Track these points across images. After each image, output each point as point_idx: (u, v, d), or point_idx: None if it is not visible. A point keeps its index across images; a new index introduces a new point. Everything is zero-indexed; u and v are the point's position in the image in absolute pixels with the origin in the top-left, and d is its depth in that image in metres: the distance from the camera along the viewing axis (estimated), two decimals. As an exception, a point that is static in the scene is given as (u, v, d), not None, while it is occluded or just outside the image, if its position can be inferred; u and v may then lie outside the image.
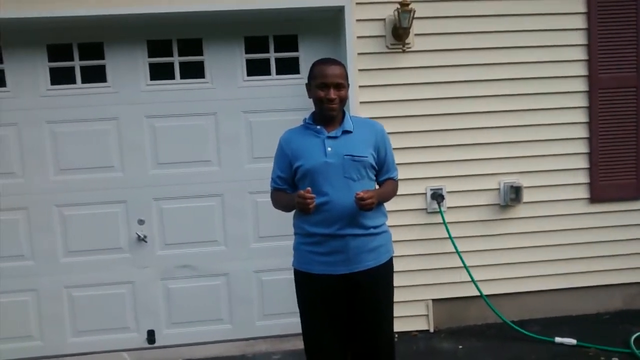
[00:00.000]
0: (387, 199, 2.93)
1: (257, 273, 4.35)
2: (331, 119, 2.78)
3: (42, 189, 4.13)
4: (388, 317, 2.89)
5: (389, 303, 2.90)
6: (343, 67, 2.80)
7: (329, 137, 2.75)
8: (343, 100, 2.77)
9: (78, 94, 4.11)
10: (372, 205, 2.62)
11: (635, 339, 4.00)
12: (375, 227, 2.79)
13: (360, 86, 4.12)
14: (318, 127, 2.79)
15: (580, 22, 4.29)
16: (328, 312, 2.79)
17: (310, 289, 2.82)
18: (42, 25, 3.97)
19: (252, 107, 4.24)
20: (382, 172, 2.92)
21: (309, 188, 2.60)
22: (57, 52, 4.10)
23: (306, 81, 2.88)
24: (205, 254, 4.31)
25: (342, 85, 2.74)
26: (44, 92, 4.08)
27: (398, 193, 4.34)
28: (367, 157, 2.75)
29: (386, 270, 2.86)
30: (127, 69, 4.13)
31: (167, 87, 4.18)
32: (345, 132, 2.77)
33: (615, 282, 4.55)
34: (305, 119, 2.88)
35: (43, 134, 4.10)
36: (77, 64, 4.10)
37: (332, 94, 2.71)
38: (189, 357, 4.17)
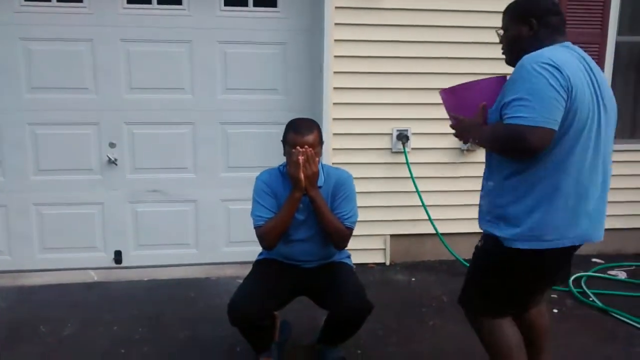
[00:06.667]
0: (324, 216, 2.84)
1: (225, 202, 4.48)
2: None
3: (14, 107, 4.13)
4: (352, 276, 3.04)
5: (351, 272, 3.08)
6: (317, 129, 2.84)
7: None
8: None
9: (52, 12, 4.06)
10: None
11: (574, 279, 4.29)
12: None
13: (335, 24, 4.17)
14: None
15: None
16: (279, 275, 2.96)
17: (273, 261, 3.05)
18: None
19: (228, 37, 4.27)
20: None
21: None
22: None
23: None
24: (175, 180, 4.41)
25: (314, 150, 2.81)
26: (17, 7, 4.03)
27: (365, 132, 4.46)
28: None
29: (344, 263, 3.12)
30: (104, -10, 4.10)
31: (144, 12, 4.16)
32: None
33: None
34: (281, 167, 2.94)
35: (16, 50, 4.07)
36: (52, -19, 4.05)
37: None
38: (154, 278, 4.29)
